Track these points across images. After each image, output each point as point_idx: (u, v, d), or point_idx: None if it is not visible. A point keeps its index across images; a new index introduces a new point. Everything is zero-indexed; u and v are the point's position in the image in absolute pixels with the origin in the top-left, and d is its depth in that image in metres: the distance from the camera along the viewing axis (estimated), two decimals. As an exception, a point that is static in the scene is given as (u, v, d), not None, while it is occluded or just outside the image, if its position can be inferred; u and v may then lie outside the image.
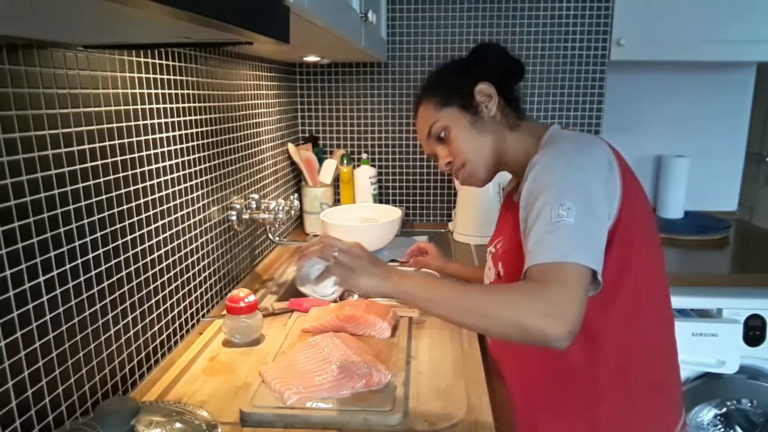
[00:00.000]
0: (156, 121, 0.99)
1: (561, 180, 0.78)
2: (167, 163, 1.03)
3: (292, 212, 1.54)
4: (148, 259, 0.97)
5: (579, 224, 0.73)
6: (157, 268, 1.01)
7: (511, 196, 1.02)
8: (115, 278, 0.87)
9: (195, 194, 1.15)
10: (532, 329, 0.67)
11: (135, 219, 0.93)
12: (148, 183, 0.97)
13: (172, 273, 1.06)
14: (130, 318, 0.92)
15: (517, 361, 0.98)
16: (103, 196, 0.84)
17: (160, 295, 1.02)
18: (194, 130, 1.14)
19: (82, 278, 0.80)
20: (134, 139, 0.92)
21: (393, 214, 1.74)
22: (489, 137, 0.94)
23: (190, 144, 1.13)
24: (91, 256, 0.82)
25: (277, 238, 1.60)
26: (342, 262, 0.76)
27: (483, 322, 0.71)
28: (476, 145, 0.94)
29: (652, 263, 0.87)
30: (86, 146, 0.80)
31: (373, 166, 2.05)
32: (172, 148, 1.05)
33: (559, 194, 0.76)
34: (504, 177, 1.04)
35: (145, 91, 0.96)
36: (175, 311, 1.08)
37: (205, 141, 1.20)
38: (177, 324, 1.09)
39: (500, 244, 0.97)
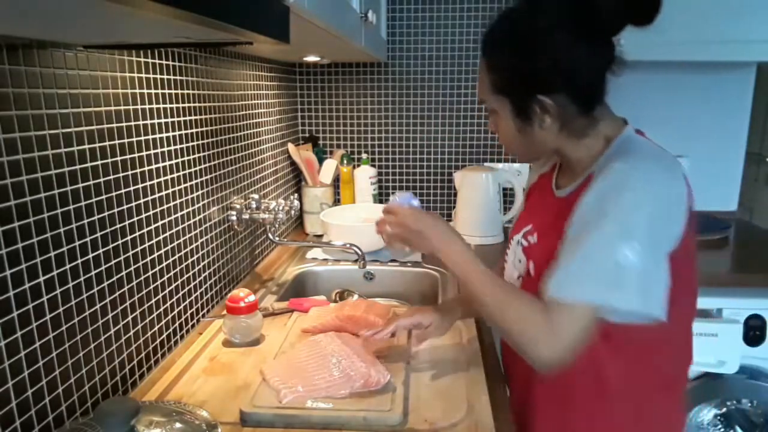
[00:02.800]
0: (156, 121, 0.99)
1: (636, 214, 0.71)
2: (167, 163, 1.03)
3: (292, 212, 1.54)
4: (148, 259, 0.97)
5: (644, 268, 0.71)
6: (157, 268, 1.01)
7: (549, 183, 0.93)
8: (115, 278, 0.88)
9: (195, 194, 1.15)
10: (525, 350, 0.76)
11: (135, 219, 0.93)
12: (147, 183, 0.97)
13: (172, 273, 1.06)
14: (130, 318, 0.92)
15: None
16: (103, 196, 0.84)
17: (160, 295, 1.02)
18: (194, 130, 1.14)
19: (82, 278, 0.80)
20: (134, 139, 0.92)
21: (393, 214, 1.74)
22: (533, 143, 0.84)
23: (190, 144, 1.13)
24: (91, 256, 0.82)
25: (277, 238, 1.60)
26: (397, 232, 0.88)
27: (494, 321, 0.80)
28: (516, 145, 0.87)
29: (690, 286, 0.84)
30: (86, 146, 0.80)
31: (373, 166, 2.05)
32: (172, 148, 1.05)
33: (631, 228, 0.71)
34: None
35: (145, 91, 0.96)
36: (175, 311, 1.08)
37: (205, 141, 1.20)
38: (177, 324, 1.09)
39: (532, 236, 0.90)
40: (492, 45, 0.84)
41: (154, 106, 0.99)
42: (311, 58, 1.69)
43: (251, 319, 1.08)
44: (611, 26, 0.77)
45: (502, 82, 0.82)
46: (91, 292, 0.82)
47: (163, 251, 1.02)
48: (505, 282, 0.85)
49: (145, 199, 0.96)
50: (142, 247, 0.95)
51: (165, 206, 1.03)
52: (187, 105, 1.11)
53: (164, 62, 1.02)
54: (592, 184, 0.76)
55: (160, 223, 1.01)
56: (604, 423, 0.85)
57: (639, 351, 0.82)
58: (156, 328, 1.01)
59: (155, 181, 0.99)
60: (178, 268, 1.08)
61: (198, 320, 1.18)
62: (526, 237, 0.92)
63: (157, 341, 1.01)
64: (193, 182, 1.14)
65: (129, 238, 0.91)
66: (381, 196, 2.08)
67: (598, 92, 0.80)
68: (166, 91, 1.03)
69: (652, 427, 0.86)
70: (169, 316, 1.06)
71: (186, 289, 1.12)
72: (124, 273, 0.90)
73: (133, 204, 0.92)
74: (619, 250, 0.70)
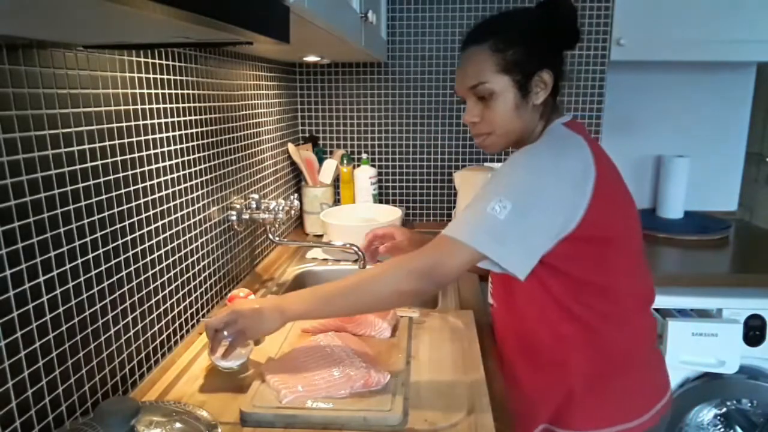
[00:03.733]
0: (156, 121, 0.99)
1: (514, 178, 0.86)
2: (167, 163, 1.03)
3: (292, 212, 1.54)
4: (148, 259, 0.97)
5: (506, 222, 0.82)
6: (157, 268, 1.01)
7: None
8: (115, 278, 0.87)
9: (195, 194, 1.15)
10: (407, 292, 0.87)
11: (135, 219, 0.93)
12: (148, 183, 0.97)
13: (172, 273, 1.06)
14: (130, 318, 0.92)
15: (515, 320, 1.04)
16: (103, 196, 0.84)
17: (160, 295, 1.02)
18: (194, 130, 1.14)
19: (82, 278, 0.80)
20: (134, 139, 0.92)
21: (393, 214, 1.74)
22: (524, 120, 0.94)
23: (190, 144, 1.13)
24: (91, 256, 0.82)
25: (277, 238, 1.60)
26: (235, 332, 0.88)
27: (371, 305, 0.93)
28: (510, 124, 0.94)
29: (633, 261, 0.96)
30: (86, 146, 0.80)
31: (373, 166, 2.05)
32: (172, 148, 1.05)
33: (504, 189, 0.84)
34: None
35: (146, 91, 0.96)
36: (175, 311, 1.08)
37: (205, 141, 1.20)
38: (177, 324, 1.09)
39: None
40: (493, 31, 0.93)
41: (155, 106, 0.99)
42: (311, 58, 1.69)
43: (251, 319, 1.07)
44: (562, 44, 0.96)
45: (510, 60, 0.90)
46: (91, 292, 0.82)
47: (163, 251, 1.02)
48: (347, 279, 0.91)
49: (146, 199, 0.96)
50: (142, 247, 0.95)
51: (165, 206, 1.03)
52: (187, 105, 1.11)
53: (164, 62, 1.02)
54: None
55: (160, 223, 1.01)
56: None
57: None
58: (156, 328, 1.01)
59: (155, 181, 0.99)
60: (178, 268, 1.08)
61: (198, 320, 1.18)
62: None
63: (157, 341, 1.01)
64: (193, 182, 1.14)
65: (129, 238, 0.91)
66: (381, 196, 2.08)
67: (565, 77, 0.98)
68: (166, 91, 1.03)
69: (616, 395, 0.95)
70: (169, 316, 1.06)
71: (186, 289, 1.12)
72: (124, 273, 0.90)
73: (134, 204, 0.92)
74: (490, 203, 0.83)
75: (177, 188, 1.07)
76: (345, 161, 1.97)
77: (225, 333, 0.88)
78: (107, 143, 0.85)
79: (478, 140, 0.98)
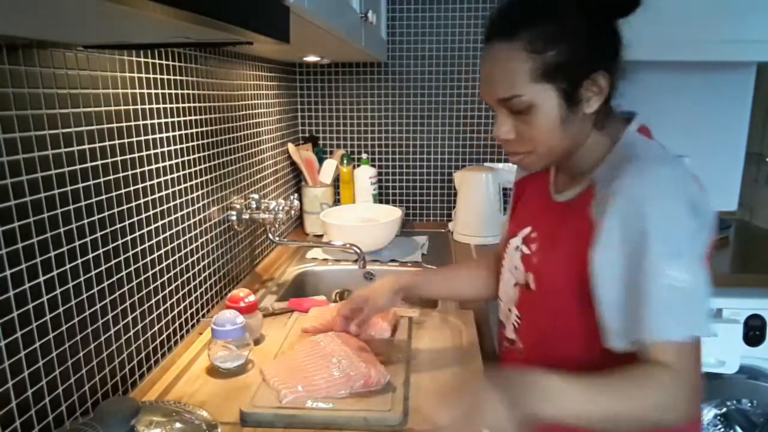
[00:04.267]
0: (156, 121, 0.99)
1: (675, 226, 0.67)
2: (167, 163, 1.03)
3: (292, 212, 1.54)
4: (148, 259, 0.97)
5: (691, 288, 0.67)
6: (157, 268, 1.00)
7: (545, 184, 0.88)
8: (115, 278, 0.87)
9: (195, 194, 1.15)
10: (652, 422, 0.66)
11: (135, 219, 0.93)
12: (148, 183, 0.97)
13: (172, 273, 1.06)
14: (130, 318, 0.92)
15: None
16: (103, 196, 0.84)
17: (160, 295, 1.02)
18: (194, 130, 1.14)
19: (82, 278, 0.80)
20: (134, 139, 0.92)
21: (393, 214, 1.74)
22: (572, 134, 0.75)
23: (190, 144, 1.13)
24: (91, 256, 0.82)
25: (277, 238, 1.60)
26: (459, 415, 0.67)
27: (613, 426, 0.67)
28: (555, 141, 0.75)
29: None
30: (86, 146, 0.80)
31: (373, 166, 2.05)
32: (172, 148, 1.05)
33: (674, 247, 0.67)
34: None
35: (145, 91, 0.96)
36: (175, 311, 1.08)
37: (205, 141, 1.20)
38: (177, 324, 1.09)
39: (534, 244, 0.84)
40: (541, 13, 0.71)
41: (155, 106, 0.99)
42: (311, 58, 1.69)
43: (251, 319, 1.07)
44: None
45: (551, 62, 0.70)
46: (91, 292, 0.82)
47: (163, 251, 1.02)
48: (597, 386, 0.68)
49: (146, 199, 0.96)
50: (142, 247, 0.95)
51: (165, 206, 1.03)
52: (187, 105, 1.11)
53: (164, 62, 1.02)
54: (606, 204, 0.70)
55: (160, 223, 1.01)
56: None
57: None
58: (156, 328, 1.01)
59: (155, 181, 0.99)
60: (178, 268, 1.08)
61: (198, 320, 1.18)
62: (527, 243, 0.86)
63: (157, 341, 1.01)
64: (193, 182, 1.14)
65: (129, 238, 0.91)
66: (381, 196, 2.08)
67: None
68: (166, 91, 1.03)
69: None
70: (169, 316, 1.06)
71: (186, 289, 1.12)
72: (124, 273, 0.90)
73: (134, 204, 0.92)
74: (665, 276, 0.66)
75: (177, 188, 1.07)
76: (345, 161, 1.97)
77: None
78: (107, 143, 0.85)
79: (514, 159, 0.81)
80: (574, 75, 0.71)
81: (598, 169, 0.76)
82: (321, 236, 1.84)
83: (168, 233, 1.04)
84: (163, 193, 1.02)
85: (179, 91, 1.08)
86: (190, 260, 1.13)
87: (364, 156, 2.04)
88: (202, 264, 1.19)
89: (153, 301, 0.99)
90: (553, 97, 0.72)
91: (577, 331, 0.77)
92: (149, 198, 0.97)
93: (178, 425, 0.75)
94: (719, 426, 1.71)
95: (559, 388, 0.66)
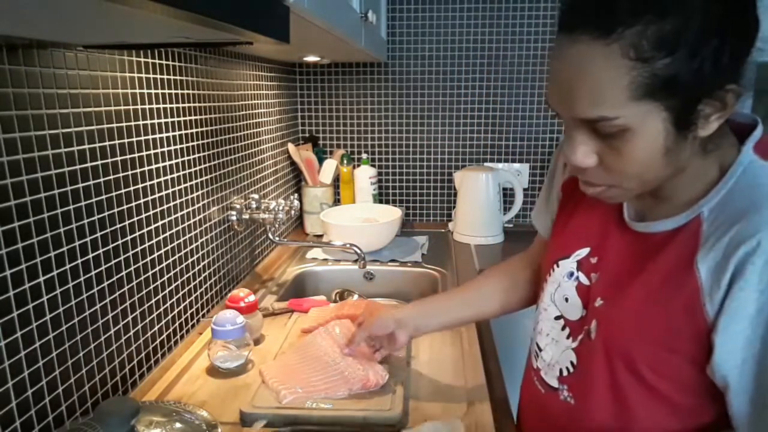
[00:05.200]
0: (156, 121, 0.99)
1: None
2: (167, 163, 1.03)
3: (292, 212, 1.54)
4: (148, 259, 0.97)
5: None
6: (157, 268, 1.00)
7: (617, 205, 0.69)
8: (115, 278, 0.87)
9: (195, 194, 1.15)
10: None
11: (135, 219, 0.93)
12: (148, 183, 0.97)
13: (172, 273, 1.06)
14: (130, 318, 0.92)
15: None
16: (103, 196, 0.84)
17: (160, 295, 1.02)
18: (194, 130, 1.14)
19: (82, 278, 0.80)
20: (134, 139, 0.92)
21: (393, 214, 1.74)
22: (676, 162, 0.57)
23: (190, 144, 1.13)
24: (91, 256, 0.82)
25: (277, 238, 1.60)
26: None
27: None
28: (651, 173, 0.57)
29: None
30: (86, 146, 0.80)
31: (373, 166, 2.05)
32: (172, 148, 1.05)
33: None
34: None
35: (146, 91, 0.96)
36: (175, 311, 1.08)
37: (205, 141, 1.20)
38: (177, 324, 1.09)
39: (594, 273, 0.68)
40: (627, 18, 0.50)
41: (155, 106, 0.99)
42: (311, 58, 1.69)
43: (251, 319, 1.07)
44: None
45: (665, 75, 0.50)
46: (91, 292, 0.82)
47: (163, 251, 1.02)
48: None
49: (145, 199, 0.96)
50: (142, 247, 0.95)
51: (165, 206, 1.03)
52: (187, 105, 1.11)
53: (164, 62, 1.02)
54: (730, 261, 0.54)
55: (160, 223, 1.01)
56: None
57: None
58: (156, 328, 1.01)
59: (155, 181, 0.99)
60: (178, 268, 1.08)
61: (198, 320, 1.18)
62: (585, 270, 0.70)
63: (157, 341, 1.01)
64: (193, 182, 1.14)
65: (129, 238, 0.91)
66: (381, 196, 2.08)
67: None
68: (166, 91, 1.03)
69: None
70: (169, 316, 1.06)
71: (186, 289, 1.12)
72: (124, 273, 0.90)
73: (133, 204, 0.92)
74: None
75: (177, 188, 1.07)
76: (345, 161, 1.97)
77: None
78: (107, 143, 0.85)
79: (591, 190, 0.61)
80: (694, 91, 0.51)
81: (706, 201, 0.58)
82: (321, 236, 1.84)
83: (168, 233, 1.04)
84: (163, 193, 1.02)
85: (179, 91, 1.08)
86: (190, 260, 1.13)
87: (364, 156, 2.04)
88: (202, 264, 1.19)
89: (153, 301, 0.99)
90: (658, 121, 0.53)
91: (637, 397, 0.63)
92: (149, 198, 0.97)
93: (178, 425, 0.75)
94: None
95: None
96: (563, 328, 0.71)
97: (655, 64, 0.50)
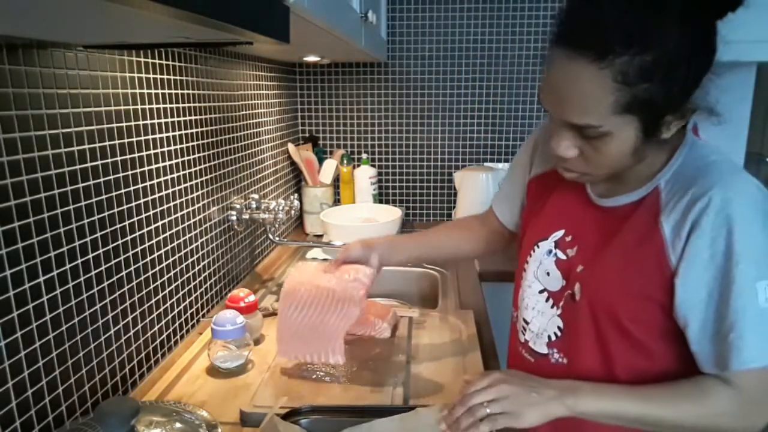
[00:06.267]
0: (156, 121, 0.99)
1: (764, 248, 0.64)
2: (167, 163, 1.03)
3: (292, 212, 1.54)
4: (148, 259, 0.97)
5: None
6: (157, 268, 1.00)
7: (579, 185, 0.80)
8: (115, 278, 0.87)
9: (195, 194, 1.15)
10: None
11: (135, 219, 0.93)
12: (148, 183, 0.97)
13: (172, 273, 1.06)
14: (130, 318, 0.92)
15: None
16: (103, 196, 0.84)
17: (160, 295, 1.02)
18: (194, 130, 1.14)
19: (82, 278, 0.80)
20: (134, 139, 0.92)
21: (393, 214, 1.74)
22: (639, 157, 0.69)
23: (190, 144, 1.13)
24: (91, 256, 0.82)
25: (277, 238, 1.60)
26: (498, 412, 0.67)
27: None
28: (621, 164, 0.69)
29: None
30: (86, 146, 0.80)
31: (373, 166, 2.05)
32: (172, 148, 1.05)
33: (764, 270, 0.63)
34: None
35: (146, 91, 0.96)
36: (175, 311, 1.08)
37: (205, 141, 1.20)
38: (177, 324, 1.09)
39: (571, 249, 0.78)
40: (640, 31, 0.59)
41: (155, 106, 0.99)
42: (311, 58, 1.69)
43: (251, 319, 1.07)
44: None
45: (644, 97, 0.61)
46: (91, 292, 0.82)
47: (163, 251, 1.02)
48: (667, 390, 0.69)
49: (146, 199, 0.96)
50: (142, 247, 0.95)
51: (165, 206, 1.03)
52: (187, 105, 1.11)
53: (164, 62, 1.02)
54: (687, 219, 0.65)
55: (160, 223, 1.01)
56: None
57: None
58: (156, 328, 1.01)
59: (155, 181, 0.99)
60: (178, 268, 1.08)
61: (198, 320, 1.18)
62: (561, 248, 0.80)
63: (157, 341, 1.01)
64: (193, 182, 1.14)
65: (129, 238, 0.91)
66: (381, 196, 2.08)
67: None
68: (166, 91, 1.03)
69: None
70: (169, 316, 1.06)
71: (186, 289, 1.12)
72: (124, 273, 0.90)
73: (134, 204, 0.92)
74: (759, 295, 0.63)
75: (177, 188, 1.07)
76: (345, 161, 1.97)
77: (486, 412, 0.67)
78: (107, 143, 0.85)
79: (568, 175, 0.74)
80: (664, 109, 0.63)
81: (662, 175, 0.71)
82: (321, 236, 1.84)
83: (168, 233, 1.04)
84: (163, 193, 1.02)
85: (179, 91, 1.08)
86: (190, 260, 1.13)
87: (364, 156, 2.04)
88: (202, 264, 1.19)
89: (153, 301, 0.99)
90: (632, 129, 0.64)
91: (618, 346, 0.73)
92: (149, 198, 0.97)
93: (178, 425, 0.75)
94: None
95: (614, 388, 0.69)
96: (547, 300, 0.81)
97: (637, 88, 0.61)
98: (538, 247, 0.83)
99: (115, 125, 0.87)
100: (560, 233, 0.80)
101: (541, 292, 0.81)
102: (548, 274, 0.80)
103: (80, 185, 0.79)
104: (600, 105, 0.62)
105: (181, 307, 1.11)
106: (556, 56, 0.64)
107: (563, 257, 0.79)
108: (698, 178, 0.67)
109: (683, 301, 0.66)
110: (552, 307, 0.80)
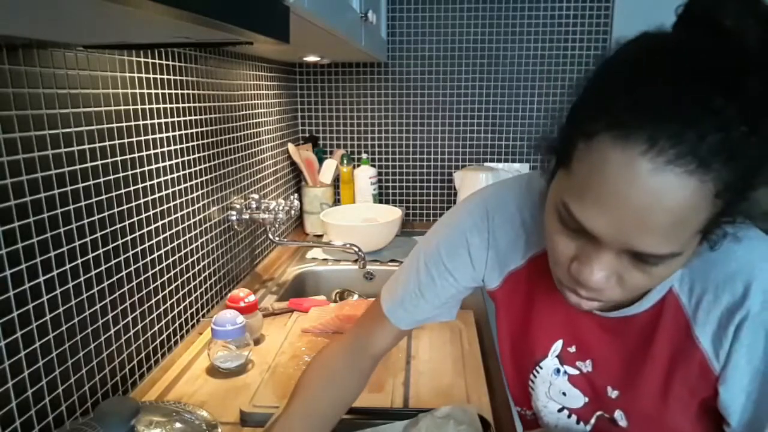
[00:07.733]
0: (156, 121, 0.99)
1: None
2: (167, 163, 1.03)
3: (292, 212, 1.54)
4: (148, 259, 0.97)
5: None
6: (157, 268, 1.01)
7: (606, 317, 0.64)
8: (115, 278, 0.88)
9: (195, 194, 1.15)
10: None
11: (135, 219, 0.93)
12: (148, 183, 0.97)
13: (172, 273, 1.06)
14: (130, 318, 0.92)
15: None
16: (103, 196, 0.84)
17: (160, 295, 1.02)
18: (194, 130, 1.14)
19: (82, 278, 0.80)
20: (134, 139, 0.92)
21: (393, 214, 1.74)
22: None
23: (190, 144, 1.13)
24: (91, 256, 0.82)
25: (277, 238, 1.60)
26: None
27: None
28: (657, 283, 0.56)
29: None
30: (86, 146, 0.80)
31: (373, 166, 2.05)
32: (172, 148, 1.05)
33: None
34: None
35: (145, 91, 0.96)
36: (175, 311, 1.08)
37: (205, 141, 1.20)
38: (177, 324, 1.09)
39: (582, 362, 0.67)
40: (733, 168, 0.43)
41: (155, 106, 0.99)
42: (311, 58, 1.69)
43: (251, 319, 1.08)
44: None
45: (729, 211, 0.48)
46: (91, 292, 0.82)
47: (163, 251, 1.02)
48: None
49: (145, 199, 0.96)
50: (142, 247, 0.95)
51: (165, 206, 1.03)
52: (187, 105, 1.11)
53: (164, 62, 1.02)
54: (728, 331, 0.56)
55: (160, 223, 1.01)
56: None
57: None
58: (156, 328, 1.01)
59: (155, 181, 0.99)
60: (178, 268, 1.08)
61: (198, 320, 1.18)
62: (569, 362, 0.68)
63: (157, 341, 1.01)
64: (193, 182, 1.14)
65: (129, 238, 0.91)
66: (381, 196, 2.08)
67: None
68: (166, 91, 1.03)
69: None
70: (169, 316, 1.06)
71: (186, 289, 1.12)
72: (124, 273, 0.90)
73: (133, 204, 0.92)
74: None
75: (177, 188, 1.07)
76: (345, 161, 1.97)
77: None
78: (107, 143, 0.85)
79: (587, 305, 0.56)
80: (731, 215, 0.49)
81: (672, 277, 0.58)
82: (321, 236, 1.84)
83: (168, 233, 1.04)
84: (163, 193, 1.02)
85: (179, 91, 1.08)
86: (190, 260, 1.13)
87: (364, 156, 2.04)
88: (202, 264, 1.19)
89: (153, 301, 0.99)
90: (695, 245, 0.50)
91: None
92: (149, 198, 0.97)
93: (178, 425, 0.75)
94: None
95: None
96: (569, 416, 0.71)
97: (729, 200, 0.45)
98: (540, 367, 0.71)
99: (115, 125, 0.87)
100: (558, 345, 0.69)
101: (560, 410, 0.71)
102: (564, 394, 0.69)
103: (80, 185, 0.79)
104: (691, 227, 0.46)
105: (181, 307, 1.11)
106: (629, 165, 0.44)
107: (575, 372, 0.68)
108: (727, 282, 0.55)
109: (724, 401, 0.58)
110: (578, 423, 0.70)
